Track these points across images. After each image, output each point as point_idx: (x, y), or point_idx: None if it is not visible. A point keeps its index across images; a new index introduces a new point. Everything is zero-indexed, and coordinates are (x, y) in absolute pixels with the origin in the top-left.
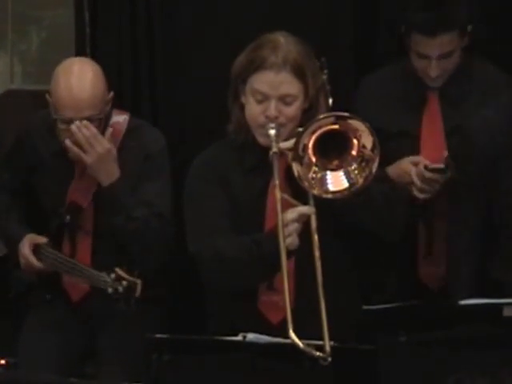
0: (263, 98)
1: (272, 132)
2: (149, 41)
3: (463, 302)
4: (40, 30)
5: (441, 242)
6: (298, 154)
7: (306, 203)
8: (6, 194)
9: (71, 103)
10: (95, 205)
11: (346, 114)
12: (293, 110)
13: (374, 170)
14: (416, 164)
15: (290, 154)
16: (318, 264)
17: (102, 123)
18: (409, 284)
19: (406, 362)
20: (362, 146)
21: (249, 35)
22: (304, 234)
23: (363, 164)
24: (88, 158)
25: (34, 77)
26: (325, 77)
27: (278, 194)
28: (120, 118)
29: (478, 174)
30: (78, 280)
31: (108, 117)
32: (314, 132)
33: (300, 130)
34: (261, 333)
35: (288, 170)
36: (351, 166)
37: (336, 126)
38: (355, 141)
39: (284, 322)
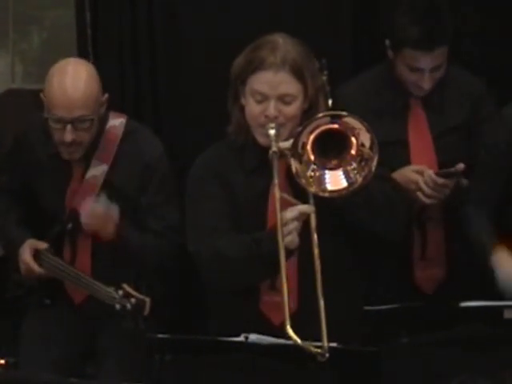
0: (262, 98)
1: (272, 132)
2: (150, 41)
3: (464, 304)
4: (41, 30)
5: (436, 245)
6: (297, 151)
7: (305, 202)
8: (4, 195)
9: (64, 102)
10: None
11: (342, 112)
12: (292, 109)
13: (373, 168)
14: (420, 173)
15: (289, 153)
16: (318, 263)
17: (95, 124)
18: (403, 287)
19: (407, 364)
20: (360, 145)
21: (249, 36)
22: (306, 233)
23: (362, 163)
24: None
25: (35, 76)
26: (325, 78)
27: (277, 193)
28: (116, 122)
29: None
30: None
31: (104, 119)
32: (312, 131)
33: (299, 129)
34: (262, 334)
35: (288, 170)
36: (350, 165)
37: (335, 126)
38: (354, 140)
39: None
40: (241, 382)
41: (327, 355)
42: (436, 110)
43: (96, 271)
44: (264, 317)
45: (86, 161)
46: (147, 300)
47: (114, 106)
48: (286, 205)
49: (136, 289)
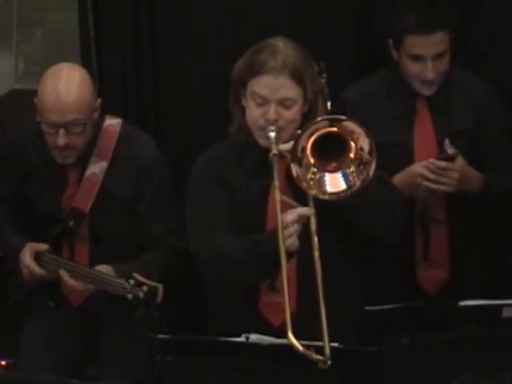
0: (263, 102)
1: (272, 134)
2: (152, 42)
3: (463, 303)
4: (44, 31)
5: (439, 246)
6: (297, 155)
7: (305, 205)
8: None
9: (56, 106)
10: (92, 210)
11: (341, 116)
12: (292, 113)
13: (371, 172)
14: (425, 165)
15: (289, 156)
16: (318, 265)
17: (89, 129)
18: (406, 287)
19: (408, 364)
20: (359, 149)
21: (251, 36)
22: (306, 236)
23: (361, 167)
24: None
25: (38, 77)
26: (324, 80)
27: (277, 195)
28: (113, 121)
29: None
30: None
31: (99, 123)
32: (311, 134)
33: (299, 132)
34: (262, 334)
35: (288, 172)
36: (349, 168)
37: (334, 129)
38: (353, 143)
39: (285, 323)
40: (242, 383)
41: (329, 363)
42: (442, 113)
43: None
44: (264, 317)
45: (82, 164)
46: (159, 286)
47: (117, 106)
48: (285, 207)
49: (146, 276)
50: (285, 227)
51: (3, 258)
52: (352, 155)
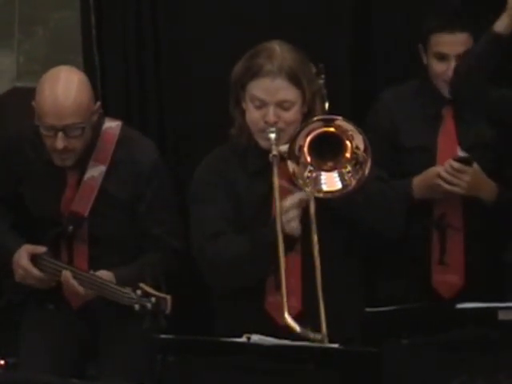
0: (261, 104)
1: (272, 136)
2: (154, 42)
3: (460, 306)
4: (46, 30)
5: (455, 251)
6: (295, 153)
7: (307, 205)
8: None
9: (54, 110)
10: (91, 212)
11: (334, 116)
12: (291, 114)
13: (367, 172)
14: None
15: (286, 154)
16: (316, 250)
17: (87, 132)
18: (422, 290)
19: (407, 364)
20: (355, 148)
21: (251, 37)
22: (309, 232)
23: (357, 166)
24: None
25: (40, 75)
26: (322, 81)
27: (276, 180)
28: (113, 124)
29: None
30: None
31: (98, 126)
32: (308, 134)
33: (295, 132)
34: (267, 334)
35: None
36: (345, 167)
37: (331, 129)
38: (348, 143)
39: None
40: (242, 383)
41: (326, 340)
42: (466, 123)
43: None
44: (269, 317)
45: (81, 166)
46: (168, 297)
47: (119, 105)
48: (285, 194)
49: (155, 287)
50: (285, 212)
51: None
52: (348, 155)
